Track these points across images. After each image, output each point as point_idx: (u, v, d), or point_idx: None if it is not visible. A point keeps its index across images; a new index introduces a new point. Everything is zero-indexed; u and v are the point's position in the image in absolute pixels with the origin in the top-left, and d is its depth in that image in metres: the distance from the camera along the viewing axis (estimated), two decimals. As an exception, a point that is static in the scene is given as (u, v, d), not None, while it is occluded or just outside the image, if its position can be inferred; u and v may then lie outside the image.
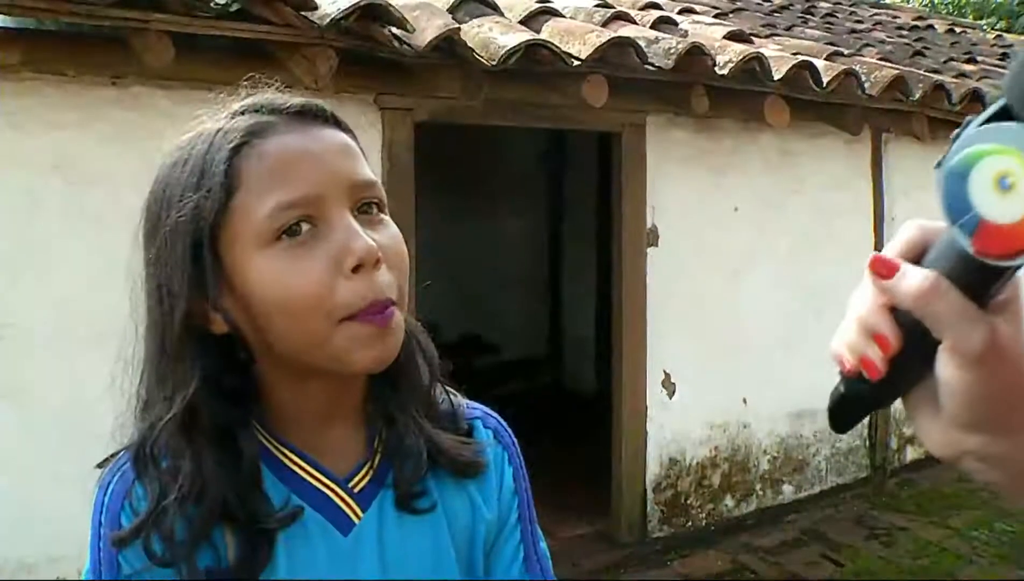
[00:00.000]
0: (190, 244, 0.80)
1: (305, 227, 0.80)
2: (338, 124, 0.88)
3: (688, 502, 4.46)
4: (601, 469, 4.40)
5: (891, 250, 0.58)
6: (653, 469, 4.32)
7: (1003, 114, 0.49)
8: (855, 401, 0.64)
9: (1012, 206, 0.47)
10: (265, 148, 0.81)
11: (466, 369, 6.40)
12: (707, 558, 4.24)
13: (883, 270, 0.54)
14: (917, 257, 0.56)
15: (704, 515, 4.51)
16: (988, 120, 0.49)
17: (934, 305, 0.53)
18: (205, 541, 0.80)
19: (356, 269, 0.79)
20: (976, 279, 0.52)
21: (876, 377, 0.58)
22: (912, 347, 0.56)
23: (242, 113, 0.85)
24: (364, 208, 0.84)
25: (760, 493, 4.72)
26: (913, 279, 0.54)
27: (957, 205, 0.49)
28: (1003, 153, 0.47)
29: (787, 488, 4.83)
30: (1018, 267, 0.51)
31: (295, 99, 0.87)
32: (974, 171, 0.48)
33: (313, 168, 0.81)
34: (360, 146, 0.89)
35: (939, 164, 0.50)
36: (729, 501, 4.61)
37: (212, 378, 0.83)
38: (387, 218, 0.87)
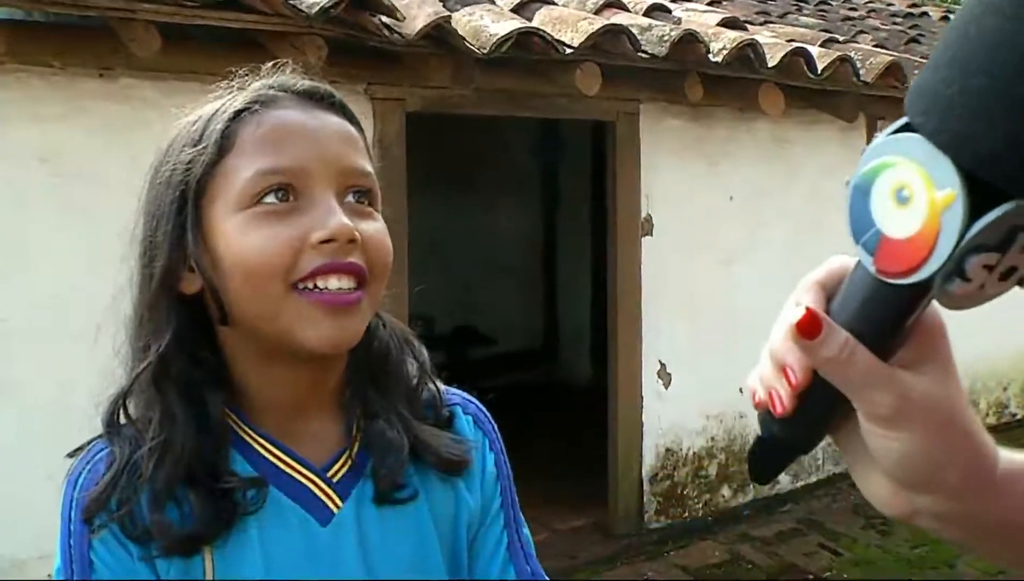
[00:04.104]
0: (177, 196, 0.82)
1: (284, 199, 0.80)
2: (344, 112, 0.89)
3: (685, 493, 4.44)
4: (597, 461, 4.39)
5: (814, 278, 0.55)
6: (649, 460, 4.31)
7: (907, 129, 0.46)
8: (770, 444, 0.60)
9: (909, 219, 0.45)
10: (264, 117, 0.83)
11: (461, 361, 6.40)
12: (704, 549, 4.23)
13: (810, 332, 0.51)
14: (837, 287, 0.54)
15: (701, 506, 4.50)
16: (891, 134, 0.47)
17: (843, 372, 0.51)
18: (170, 499, 0.80)
19: (325, 243, 0.79)
20: (887, 311, 0.50)
21: (780, 413, 0.54)
22: (825, 384, 0.52)
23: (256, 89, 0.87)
24: (353, 197, 0.84)
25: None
26: (828, 347, 0.50)
27: (860, 222, 0.48)
28: (900, 165, 0.45)
29: (784, 478, 4.82)
30: (929, 299, 0.48)
31: (305, 81, 0.89)
32: (875, 186, 0.46)
33: (305, 143, 0.82)
34: (365, 140, 0.89)
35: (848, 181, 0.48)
36: (726, 491, 4.60)
37: (183, 337, 0.84)
38: (376, 213, 0.86)
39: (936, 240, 0.44)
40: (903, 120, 0.46)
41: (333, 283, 0.79)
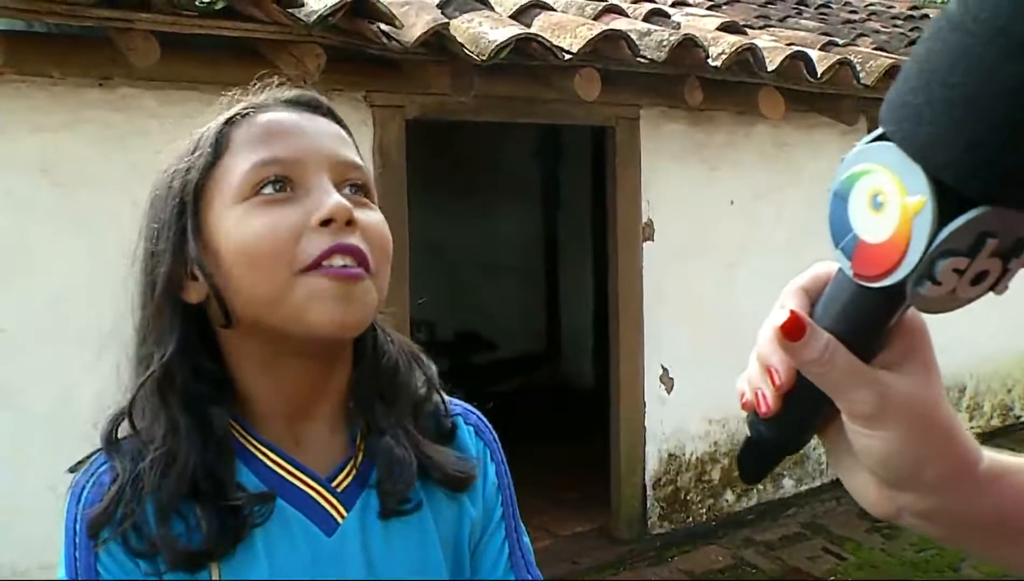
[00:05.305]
0: (177, 203, 0.83)
1: (282, 189, 0.82)
2: (333, 116, 0.91)
3: (688, 498, 4.43)
4: (600, 466, 4.38)
5: (799, 284, 0.57)
6: (652, 465, 4.30)
7: (882, 139, 0.48)
8: (758, 445, 0.62)
9: (883, 224, 0.47)
10: (256, 119, 0.85)
11: (464, 366, 6.40)
12: (708, 554, 4.22)
13: (793, 335, 0.52)
14: (821, 292, 0.56)
15: (704, 510, 4.49)
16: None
17: (825, 373, 0.52)
18: (175, 513, 0.79)
19: (326, 224, 0.79)
20: (866, 314, 0.52)
21: (765, 413, 0.56)
22: (809, 385, 0.54)
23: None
24: (349, 189, 0.85)
25: (760, 487, 4.70)
26: (811, 349, 0.52)
27: (839, 228, 0.49)
28: (875, 172, 0.47)
29: (787, 482, 4.81)
30: (908, 303, 0.50)
31: (294, 90, 0.91)
32: (852, 193, 0.48)
33: (298, 137, 0.84)
34: (356, 143, 0.91)
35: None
36: (729, 496, 4.59)
37: (187, 346, 0.84)
38: (373, 205, 0.87)
39: (908, 244, 0.46)
40: (879, 130, 0.48)
41: (338, 261, 0.79)
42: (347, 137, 0.89)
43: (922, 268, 0.45)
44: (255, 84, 0.93)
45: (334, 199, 0.80)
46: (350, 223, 0.80)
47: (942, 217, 0.44)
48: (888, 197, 0.46)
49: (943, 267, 0.45)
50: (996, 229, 0.44)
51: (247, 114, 0.85)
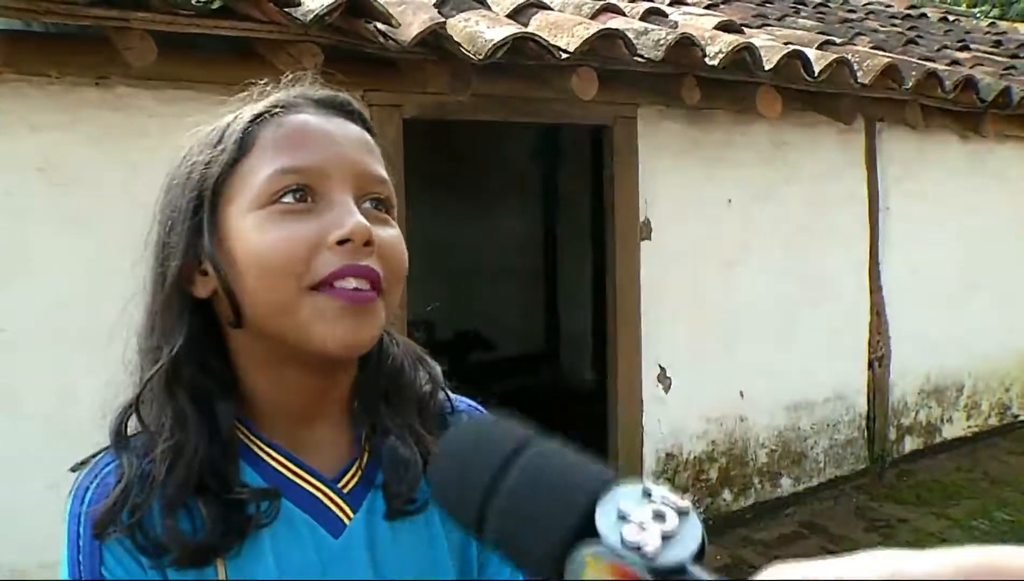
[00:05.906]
0: (194, 196, 0.82)
1: (302, 199, 0.80)
2: (363, 121, 0.90)
3: (685, 497, 4.43)
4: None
5: None
6: (650, 464, 4.30)
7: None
8: None
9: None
10: (284, 120, 0.83)
11: (463, 366, 6.38)
12: (705, 553, 4.21)
13: None
14: None
15: (702, 509, 4.49)
16: None
17: None
18: (181, 508, 0.79)
19: (342, 243, 0.78)
20: None
21: None
22: None
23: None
24: (370, 203, 0.84)
25: (758, 487, 4.70)
26: None
27: None
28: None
29: (785, 481, 4.81)
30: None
31: (325, 90, 0.90)
32: None
33: (324, 146, 0.82)
34: (382, 150, 0.90)
35: None
36: (727, 495, 4.59)
37: (195, 341, 0.83)
38: (392, 221, 0.86)
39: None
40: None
41: (351, 283, 0.79)
42: (374, 146, 0.88)
43: (649, 561, 0.47)
44: (288, 76, 0.92)
45: (354, 219, 0.79)
46: (368, 244, 0.79)
47: (592, 532, 0.48)
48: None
49: (627, 534, 0.47)
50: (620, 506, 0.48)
51: (276, 113, 0.83)
